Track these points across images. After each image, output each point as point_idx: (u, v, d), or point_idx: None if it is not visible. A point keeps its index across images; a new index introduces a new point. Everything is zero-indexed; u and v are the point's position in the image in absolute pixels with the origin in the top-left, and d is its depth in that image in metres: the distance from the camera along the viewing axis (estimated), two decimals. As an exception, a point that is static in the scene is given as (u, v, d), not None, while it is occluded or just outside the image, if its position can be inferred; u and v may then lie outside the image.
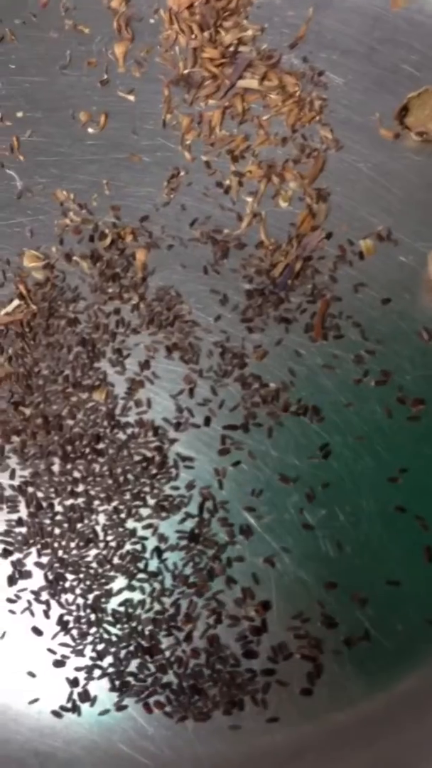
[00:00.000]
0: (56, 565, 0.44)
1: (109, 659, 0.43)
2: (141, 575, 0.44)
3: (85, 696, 0.42)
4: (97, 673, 0.42)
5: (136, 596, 0.43)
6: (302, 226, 0.49)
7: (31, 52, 0.54)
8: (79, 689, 0.42)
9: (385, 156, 0.51)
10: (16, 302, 0.48)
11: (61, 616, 0.43)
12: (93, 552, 0.44)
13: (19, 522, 0.45)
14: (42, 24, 0.54)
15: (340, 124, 0.52)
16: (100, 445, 0.46)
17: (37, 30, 0.54)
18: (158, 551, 0.44)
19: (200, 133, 0.52)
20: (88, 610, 0.43)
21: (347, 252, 0.49)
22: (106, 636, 0.43)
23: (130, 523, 0.44)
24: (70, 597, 0.43)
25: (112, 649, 0.43)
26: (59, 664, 0.43)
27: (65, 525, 0.44)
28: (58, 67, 0.53)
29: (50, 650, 0.43)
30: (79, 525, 0.45)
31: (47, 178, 0.51)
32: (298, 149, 0.51)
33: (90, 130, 0.52)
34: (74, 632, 0.43)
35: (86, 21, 0.54)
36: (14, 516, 0.45)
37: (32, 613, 0.43)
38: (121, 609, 0.43)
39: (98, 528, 0.44)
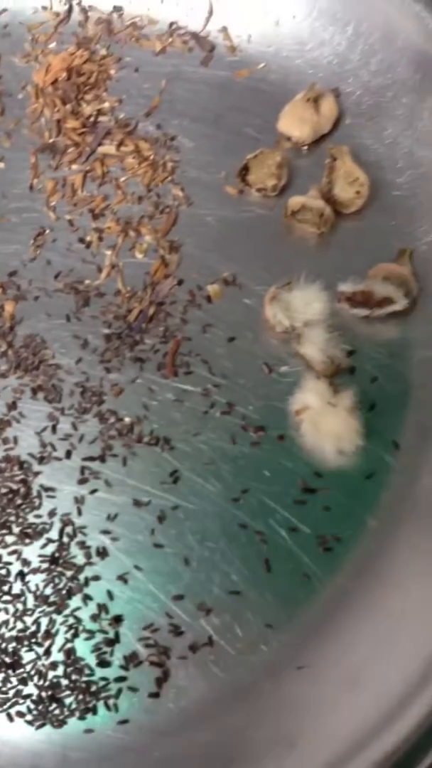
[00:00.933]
0: None
1: None
2: (5, 597, 0.47)
3: None
4: None
5: (1, 617, 0.46)
6: (156, 275, 0.54)
7: None
8: None
9: (230, 210, 0.56)
10: None
11: None
12: None
13: None
14: None
15: (190, 183, 0.57)
16: None
17: None
18: (21, 575, 0.47)
19: (64, 194, 0.57)
20: (-43, 632, 0.46)
21: (196, 296, 0.54)
22: None
23: None
24: None
25: None
26: None
27: None
28: None
29: None
30: None
31: None
32: (153, 206, 0.56)
33: (-38, 194, 0.57)
34: None
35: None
36: None
37: None
38: None
39: None
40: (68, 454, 0.50)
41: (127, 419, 0.51)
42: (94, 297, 0.54)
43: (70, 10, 0.61)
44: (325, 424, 0.49)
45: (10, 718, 0.45)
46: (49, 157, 0.57)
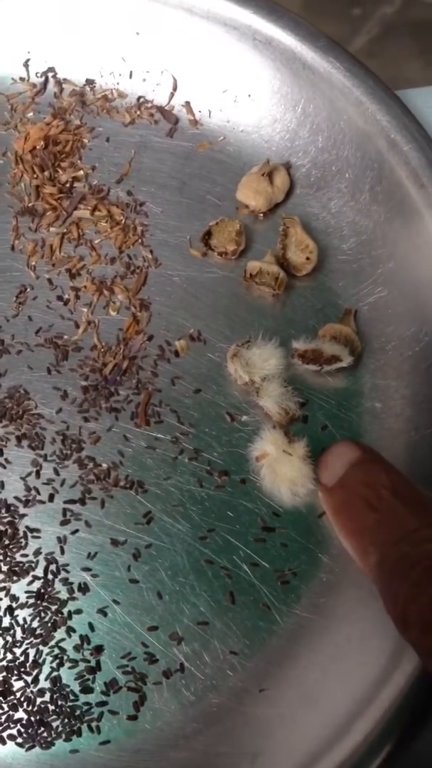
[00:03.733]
0: None
1: None
2: None
3: None
4: None
5: None
6: (128, 331, 0.57)
7: None
8: None
9: (195, 271, 0.59)
10: None
11: None
12: None
13: None
14: None
15: (158, 245, 0.60)
16: None
17: None
18: (10, 609, 0.50)
19: (43, 255, 0.59)
20: None
21: (166, 351, 0.57)
22: None
23: None
24: None
25: None
26: None
27: None
28: None
29: None
30: None
31: None
32: (125, 267, 0.59)
33: None
34: None
35: None
36: None
37: None
38: None
39: None
40: (51, 498, 0.53)
41: (104, 465, 0.54)
42: (72, 351, 0.57)
43: (45, 82, 0.64)
44: (281, 470, 0.53)
45: (2, 741, 0.48)
46: (29, 219, 0.60)
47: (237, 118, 0.63)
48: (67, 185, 0.61)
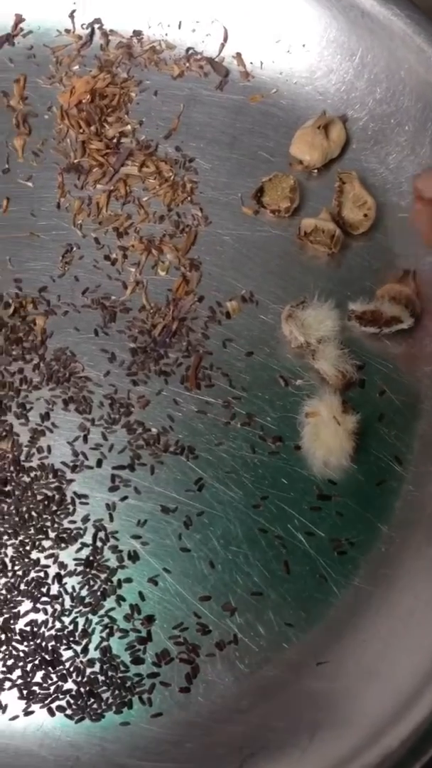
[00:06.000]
0: (-30, 593, 0.47)
1: (17, 672, 0.46)
2: (44, 599, 0.48)
3: (-3, 705, 0.46)
4: (7, 684, 0.46)
5: (40, 617, 0.47)
6: (178, 292, 0.54)
7: None
8: (-9, 700, 0.46)
9: (246, 229, 0.56)
10: None
11: (-26, 638, 0.47)
12: (2, 581, 0.48)
13: None
14: None
15: (208, 203, 0.56)
16: (8, 488, 0.50)
17: None
18: (59, 577, 0.48)
19: (89, 213, 0.56)
20: (-1, 632, 0.47)
21: (216, 312, 0.54)
22: (14, 653, 0.46)
23: (35, 554, 0.48)
24: (-18, 621, 0.47)
25: (20, 664, 0.46)
26: (-26, 679, 0.46)
27: (-23, 558, 0.48)
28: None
29: (-35, 667, 0.46)
30: (-11, 558, 0.48)
31: None
32: (174, 225, 0.56)
33: (-6, 213, 0.56)
34: (-14, 652, 0.46)
35: (-13, 117, 0.58)
36: None
37: None
38: (27, 629, 0.47)
39: (6, 559, 0.48)
40: (99, 463, 0.51)
41: (153, 430, 0.51)
42: (120, 312, 0.54)
43: (92, 34, 0.60)
44: (324, 434, 0.50)
45: (51, 712, 0.46)
46: (75, 176, 0.57)
47: (290, 70, 0.59)
48: (114, 140, 0.58)
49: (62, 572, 0.48)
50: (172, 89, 0.59)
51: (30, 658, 0.47)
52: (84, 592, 0.48)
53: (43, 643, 0.47)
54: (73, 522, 0.49)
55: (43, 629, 0.47)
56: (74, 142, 0.58)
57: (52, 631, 0.47)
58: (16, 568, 0.48)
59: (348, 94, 0.59)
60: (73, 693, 0.46)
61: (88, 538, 0.49)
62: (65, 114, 0.58)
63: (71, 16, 0.60)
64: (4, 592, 0.48)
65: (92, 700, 0.46)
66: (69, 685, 0.46)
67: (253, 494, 0.50)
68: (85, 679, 0.46)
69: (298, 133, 0.57)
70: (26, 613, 0.47)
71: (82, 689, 0.46)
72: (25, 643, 0.47)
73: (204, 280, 0.55)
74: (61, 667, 0.46)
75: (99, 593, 0.48)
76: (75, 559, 0.48)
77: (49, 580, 0.48)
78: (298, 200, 0.56)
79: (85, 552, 0.49)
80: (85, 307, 0.54)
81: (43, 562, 0.48)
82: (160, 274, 0.55)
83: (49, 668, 0.46)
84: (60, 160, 0.58)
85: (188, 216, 0.56)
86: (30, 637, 0.47)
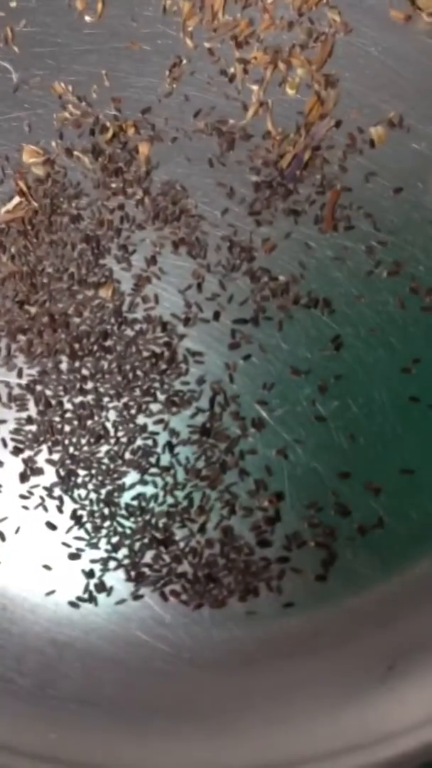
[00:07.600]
0: (68, 461, 0.42)
1: (123, 551, 0.42)
2: (153, 470, 0.42)
3: (102, 587, 0.41)
4: (112, 564, 0.42)
5: (149, 490, 0.42)
6: (310, 115, 0.46)
7: None
8: (95, 580, 0.42)
9: (395, 39, 0.47)
10: (16, 199, 0.45)
11: (74, 511, 0.42)
12: (104, 448, 0.43)
13: (29, 420, 0.43)
14: None
15: (349, 6, 0.47)
16: (108, 342, 0.44)
17: None
18: (170, 446, 0.42)
19: (202, 18, 0.48)
20: (102, 505, 0.42)
21: (357, 140, 0.46)
22: (120, 529, 0.42)
23: (141, 419, 0.43)
24: (82, 492, 0.42)
25: (127, 542, 0.42)
26: (74, 557, 0.42)
27: (75, 422, 0.43)
28: None
29: (65, 544, 0.42)
30: (89, 422, 0.43)
31: (44, 70, 0.47)
32: (305, 34, 0.47)
33: (87, 18, 0.48)
34: (88, 526, 0.42)
35: None
36: (24, 414, 0.43)
37: (45, 509, 0.42)
38: (134, 503, 0.42)
39: (108, 424, 0.43)
40: (216, 316, 0.44)
41: (281, 278, 0.44)
42: (239, 139, 0.46)
43: None
44: None
45: (164, 597, 0.41)
46: (185, -28, 0.48)
47: None
48: None
49: (174, 440, 0.43)
50: None
51: (138, 536, 0.42)
52: (200, 464, 0.43)
53: (153, 520, 0.42)
54: (186, 383, 0.43)
55: (152, 504, 0.42)
56: None
57: (164, 507, 0.42)
58: (120, 434, 0.43)
59: None
60: (189, 576, 0.41)
61: (204, 403, 0.43)
62: None
63: None
64: (106, 461, 0.43)
65: (211, 584, 0.41)
66: (184, 567, 0.42)
67: (402, 356, 0.44)
68: (203, 561, 0.42)
69: None
70: (133, 485, 0.43)
71: (199, 572, 0.41)
72: (132, 519, 0.42)
73: (342, 100, 0.47)
74: (175, 547, 0.42)
75: (218, 465, 0.42)
76: (189, 426, 0.43)
77: (159, 449, 0.43)
78: (461, 1, 0.46)
79: (201, 418, 0.43)
80: (197, 133, 0.47)
81: (151, 428, 0.43)
82: (289, 93, 0.47)
83: (161, 548, 0.42)
84: None
85: (324, 22, 0.48)
86: (138, 513, 0.42)
